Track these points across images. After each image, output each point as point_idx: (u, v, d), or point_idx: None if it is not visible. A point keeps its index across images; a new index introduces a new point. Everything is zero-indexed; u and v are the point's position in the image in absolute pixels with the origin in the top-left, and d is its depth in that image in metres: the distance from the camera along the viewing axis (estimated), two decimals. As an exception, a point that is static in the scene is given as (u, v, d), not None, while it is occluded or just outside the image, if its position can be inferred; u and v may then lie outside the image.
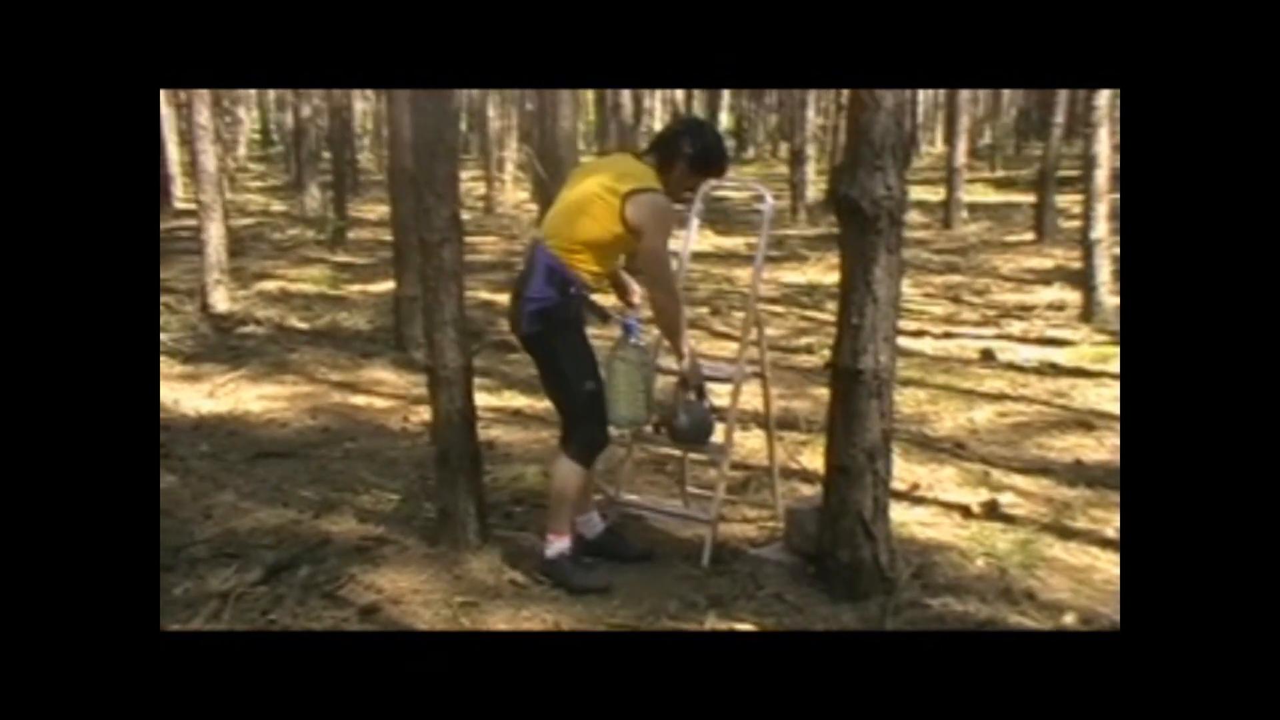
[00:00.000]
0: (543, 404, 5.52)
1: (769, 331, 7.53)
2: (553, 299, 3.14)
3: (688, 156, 3.18)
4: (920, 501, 4.01)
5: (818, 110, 14.49)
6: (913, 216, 13.84)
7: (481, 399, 5.51)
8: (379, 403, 5.52)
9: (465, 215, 16.57)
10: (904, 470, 4.36)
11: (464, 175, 20.55)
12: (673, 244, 3.23)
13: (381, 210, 12.67)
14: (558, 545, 3.28)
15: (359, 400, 5.56)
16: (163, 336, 7.14)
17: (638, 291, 3.44)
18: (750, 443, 4.67)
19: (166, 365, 6.37)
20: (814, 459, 4.29)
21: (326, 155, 15.57)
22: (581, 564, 3.34)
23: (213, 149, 7.90)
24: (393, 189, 6.67)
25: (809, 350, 6.59)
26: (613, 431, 3.33)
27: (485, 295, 8.51)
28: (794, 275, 9.76)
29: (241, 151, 27.01)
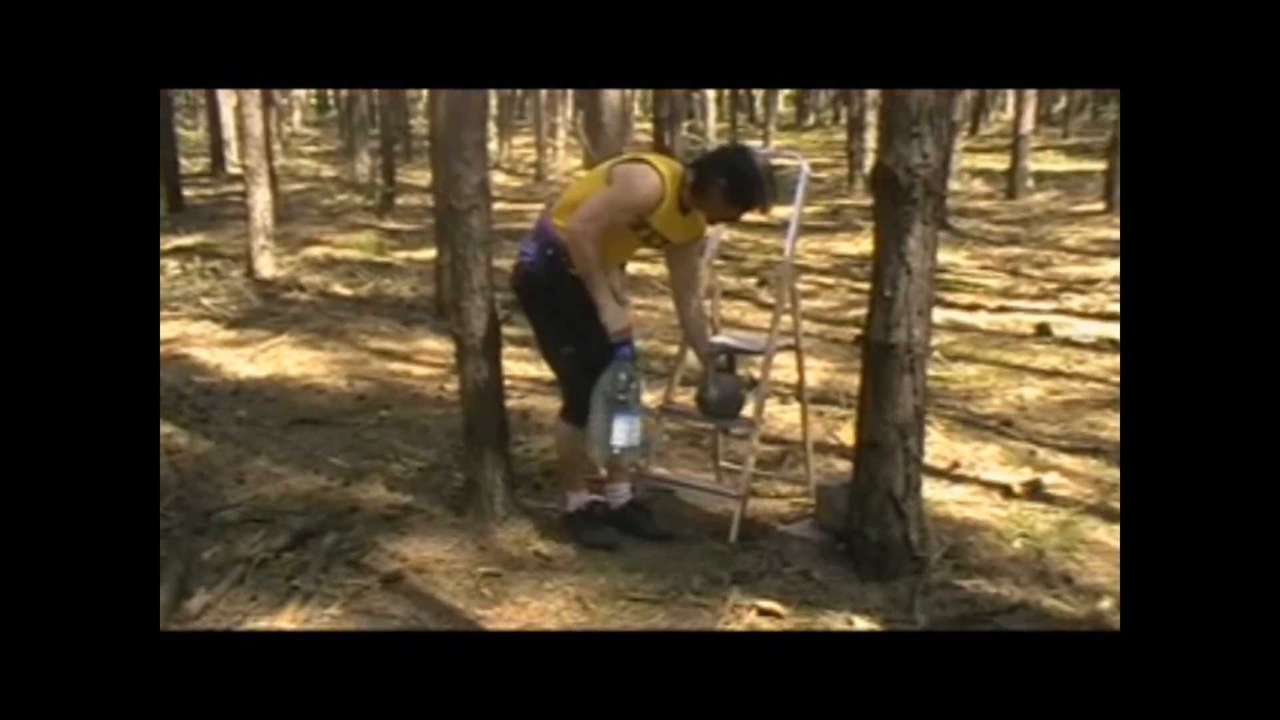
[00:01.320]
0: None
1: (817, 303, 7.54)
2: (531, 257, 3.25)
3: (722, 189, 3.11)
4: (960, 480, 3.96)
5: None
6: (975, 186, 13.57)
7: (518, 368, 5.56)
8: (417, 370, 5.58)
9: (516, 182, 16.53)
10: (945, 448, 4.31)
11: (517, 142, 20.61)
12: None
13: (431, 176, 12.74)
14: (572, 500, 3.45)
15: (397, 368, 5.62)
16: (207, 301, 7.29)
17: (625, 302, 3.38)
18: (789, 417, 4.66)
19: (210, 330, 6.50)
20: (853, 435, 4.25)
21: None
22: (593, 521, 3.42)
23: (259, 113, 7.99)
24: (434, 155, 6.70)
25: (858, 324, 6.54)
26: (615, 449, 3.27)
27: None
28: (848, 246, 9.66)
29: (297, 117, 27.34)
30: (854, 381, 5.07)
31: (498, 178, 14.83)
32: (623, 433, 3.21)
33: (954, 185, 12.34)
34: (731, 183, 3.10)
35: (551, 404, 5.00)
